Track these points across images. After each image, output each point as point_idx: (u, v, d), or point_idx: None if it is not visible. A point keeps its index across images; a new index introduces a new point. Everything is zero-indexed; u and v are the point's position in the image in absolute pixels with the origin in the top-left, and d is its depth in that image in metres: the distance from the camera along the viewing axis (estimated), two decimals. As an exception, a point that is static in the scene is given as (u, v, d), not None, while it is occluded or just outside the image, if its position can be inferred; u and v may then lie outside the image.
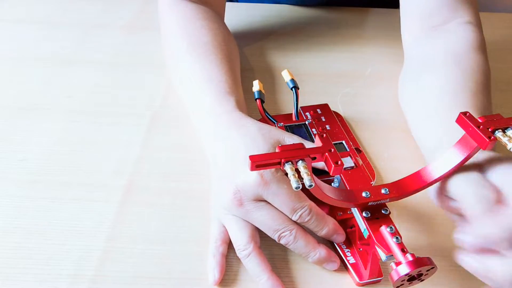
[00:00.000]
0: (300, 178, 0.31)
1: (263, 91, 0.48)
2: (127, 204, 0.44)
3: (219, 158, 0.42)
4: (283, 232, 0.38)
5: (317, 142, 0.33)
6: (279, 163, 0.31)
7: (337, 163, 0.31)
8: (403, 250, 0.33)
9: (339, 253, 0.40)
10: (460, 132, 0.35)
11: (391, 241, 0.33)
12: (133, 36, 0.67)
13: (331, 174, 0.32)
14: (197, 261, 0.40)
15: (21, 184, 0.46)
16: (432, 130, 0.43)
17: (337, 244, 0.40)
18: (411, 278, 0.32)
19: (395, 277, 0.31)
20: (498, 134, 0.33)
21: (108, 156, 0.49)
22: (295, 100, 0.49)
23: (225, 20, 0.62)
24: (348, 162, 0.40)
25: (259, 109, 0.48)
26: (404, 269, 0.31)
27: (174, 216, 0.43)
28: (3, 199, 0.44)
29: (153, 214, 0.43)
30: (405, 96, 0.52)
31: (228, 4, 0.63)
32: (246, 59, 0.64)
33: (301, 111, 0.52)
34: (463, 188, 0.34)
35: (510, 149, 0.33)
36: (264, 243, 0.41)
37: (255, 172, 0.38)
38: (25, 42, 0.66)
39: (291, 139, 0.41)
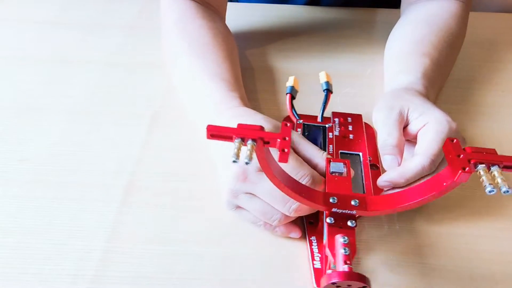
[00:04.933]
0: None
1: (296, 88, 0.48)
2: (127, 204, 0.44)
3: (223, 147, 0.42)
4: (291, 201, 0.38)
5: (281, 130, 0.33)
6: (231, 138, 0.31)
7: (283, 150, 0.31)
8: (346, 262, 0.32)
9: (310, 257, 0.40)
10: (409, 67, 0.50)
11: (339, 250, 0.33)
12: (133, 36, 0.67)
13: (278, 160, 0.32)
14: (197, 261, 0.40)
15: (21, 184, 0.46)
16: (393, 67, 0.55)
17: (310, 249, 0.40)
18: None
19: (323, 283, 0.31)
20: (480, 169, 0.31)
21: (108, 156, 0.49)
22: (323, 102, 0.49)
23: (226, 20, 0.62)
24: (338, 167, 0.40)
25: (288, 103, 0.48)
26: (333, 276, 0.31)
27: (174, 216, 0.43)
28: (3, 199, 0.44)
29: (153, 214, 0.43)
30: (387, 43, 0.61)
31: (229, 4, 0.63)
32: (246, 59, 0.64)
33: (331, 116, 0.52)
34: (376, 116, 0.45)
35: (486, 191, 0.30)
36: (260, 235, 0.41)
37: (235, 167, 0.38)
38: (25, 42, 0.66)
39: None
